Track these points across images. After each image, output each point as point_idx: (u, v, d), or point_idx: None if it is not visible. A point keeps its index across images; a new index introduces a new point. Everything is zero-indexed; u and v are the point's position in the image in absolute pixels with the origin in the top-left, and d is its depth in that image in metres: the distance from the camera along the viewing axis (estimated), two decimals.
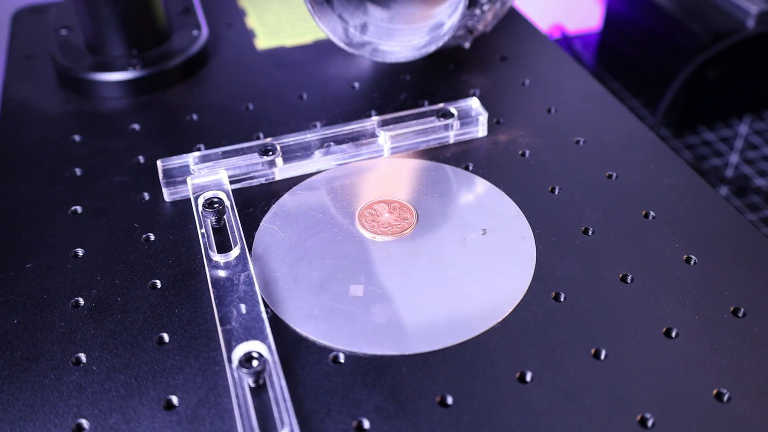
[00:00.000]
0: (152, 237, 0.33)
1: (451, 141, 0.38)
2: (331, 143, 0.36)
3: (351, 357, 0.27)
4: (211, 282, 0.29)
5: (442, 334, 0.28)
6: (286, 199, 0.34)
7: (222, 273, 0.29)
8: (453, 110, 0.38)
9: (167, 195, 0.34)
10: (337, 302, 0.29)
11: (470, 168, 0.36)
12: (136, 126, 0.40)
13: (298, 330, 0.28)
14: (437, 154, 0.37)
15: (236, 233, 0.31)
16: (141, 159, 0.37)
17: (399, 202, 0.34)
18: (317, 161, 0.36)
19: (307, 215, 0.33)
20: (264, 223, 0.33)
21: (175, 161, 0.35)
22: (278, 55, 0.46)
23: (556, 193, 0.35)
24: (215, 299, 0.28)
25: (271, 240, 0.32)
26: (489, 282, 0.30)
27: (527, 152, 0.37)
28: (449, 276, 0.30)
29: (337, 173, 0.36)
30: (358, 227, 0.33)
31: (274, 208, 0.34)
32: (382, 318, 0.28)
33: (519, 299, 0.29)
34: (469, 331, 0.28)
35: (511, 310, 0.29)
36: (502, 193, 0.34)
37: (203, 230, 0.31)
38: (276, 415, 0.24)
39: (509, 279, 0.30)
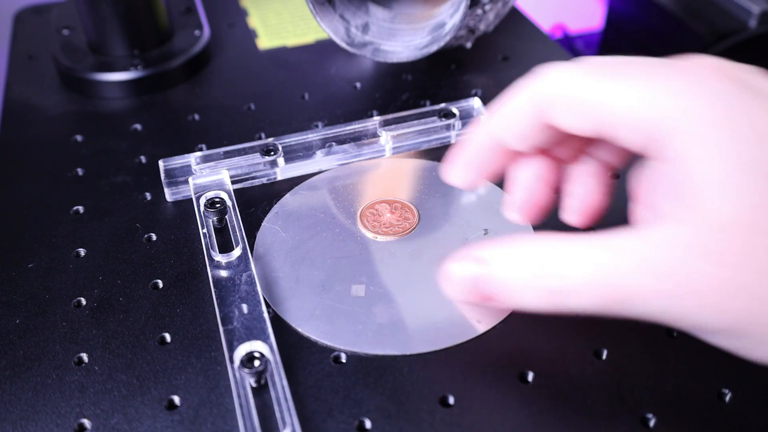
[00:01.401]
0: (154, 237, 0.33)
1: (453, 141, 0.38)
2: (333, 143, 0.36)
3: (352, 357, 0.27)
4: (213, 282, 0.29)
5: (444, 334, 0.28)
6: (288, 199, 0.34)
7: (224, 273, 0.29)
8: (455, 110, 0.38)
9: (169, 195, 0.34)
10: (338, 302, 0.29)
11: None
12: (138, 126, 0.40)
13: (300, 330, 0.28)
14: (439, 154, 0.37)
15: (238, 233, 0.31)
16: (143, 159, 0.37)
17: (401, 202, 0.34)
18: (319, 161, 0.36)
19: (308, 215, 0.33)
20: (266, 223, 0.33)
21: (177, 161, 0.35)
22: (280, 55, 0.46)
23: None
24: (217, 299, 0.28)
25: (272, 240, 0.32)
26: None
27: None
28: None
29: (339, 173, 0.36)
30: (359, 227, 0.33)
31: (276, 208, 0.34)
32: (383, 318, 0.28)
33: None
34: (470, 331, 0.28)
35: (513, 310, 0.29)
36: (504, 193, 0.34)
37: (205, 230, 0.31)
38: (278, 415, 0.24)
39: None
